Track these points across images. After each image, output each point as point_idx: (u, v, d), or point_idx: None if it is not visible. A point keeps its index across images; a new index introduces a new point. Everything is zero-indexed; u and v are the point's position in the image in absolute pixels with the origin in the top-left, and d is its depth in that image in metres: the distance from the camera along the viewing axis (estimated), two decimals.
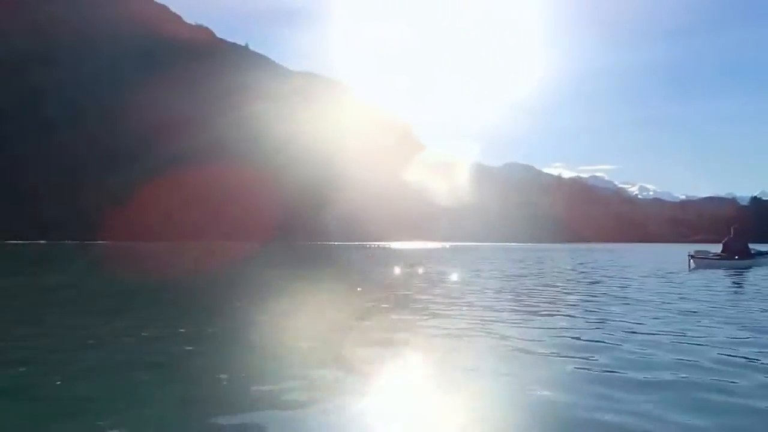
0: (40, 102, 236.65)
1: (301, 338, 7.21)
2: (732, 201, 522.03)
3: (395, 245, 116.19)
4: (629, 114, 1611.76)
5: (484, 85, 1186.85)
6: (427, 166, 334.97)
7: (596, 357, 6.02)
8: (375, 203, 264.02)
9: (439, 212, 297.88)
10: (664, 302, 11.35)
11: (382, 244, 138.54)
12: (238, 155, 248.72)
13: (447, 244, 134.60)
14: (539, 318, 9.04)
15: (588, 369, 5.51)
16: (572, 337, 7.22)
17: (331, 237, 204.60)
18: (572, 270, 24.85)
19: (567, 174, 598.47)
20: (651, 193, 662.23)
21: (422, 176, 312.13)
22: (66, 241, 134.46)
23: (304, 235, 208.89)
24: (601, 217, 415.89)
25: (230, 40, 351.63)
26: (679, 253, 36.88)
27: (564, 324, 8.37)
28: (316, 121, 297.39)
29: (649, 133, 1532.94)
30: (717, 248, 26.13)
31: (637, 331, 7.69)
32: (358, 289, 15.39)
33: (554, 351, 6.31)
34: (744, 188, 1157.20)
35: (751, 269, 22.93)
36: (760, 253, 26.22)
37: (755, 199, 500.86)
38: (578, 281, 17.85)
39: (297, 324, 8.78)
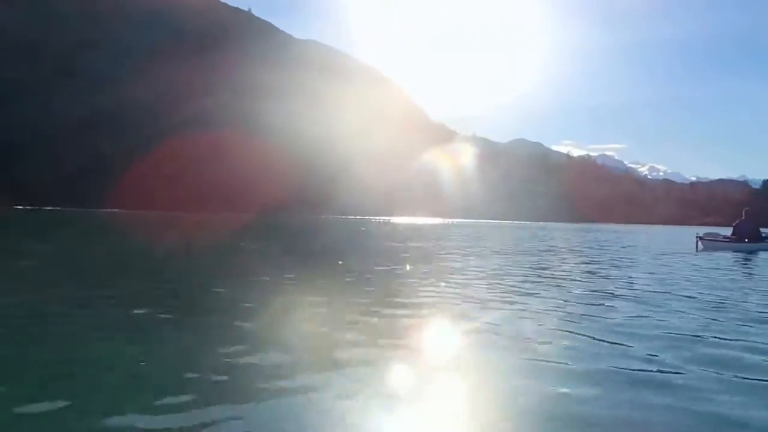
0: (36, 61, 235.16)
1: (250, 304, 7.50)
2: (743, 184, 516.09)
3: (399, 221, 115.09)
4: (640, 93, 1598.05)
5: (494, 60, 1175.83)
6: (434, 141, 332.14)
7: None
8: (379, 178, 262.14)
9: (444, 188, 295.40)
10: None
11: (385, 219, 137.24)
12: (240, 125, 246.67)
13: (451, 221, 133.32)
14: (498, 304, 8.10)
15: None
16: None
17: (334, 211, 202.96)
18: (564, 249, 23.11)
19: (576, 152, 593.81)
20: (661, 173, 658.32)
21: (428, 151, 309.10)
22: (57, 208, 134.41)
23: (307, 208, 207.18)
24: (610, 196, 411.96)
25: (232, 5, 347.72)
26: (688, 234, 36.65)
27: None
28: (320, 92, 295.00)
29: (661, 113, 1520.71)
30: (728, 231, 26.02)
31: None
32: (339, 262, 15.67)
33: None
34: (756, 171, 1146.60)
35: (760, 253, 22.43)
36: None
37: (767, 182, 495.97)
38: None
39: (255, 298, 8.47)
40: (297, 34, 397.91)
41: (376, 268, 13.64)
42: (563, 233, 52.65)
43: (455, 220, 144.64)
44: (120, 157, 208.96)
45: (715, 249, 23.92)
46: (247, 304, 7.70)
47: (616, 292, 9.57)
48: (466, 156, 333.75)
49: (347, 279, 11.34)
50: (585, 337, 5.93)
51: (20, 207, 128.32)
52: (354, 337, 5.81)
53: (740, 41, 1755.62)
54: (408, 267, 13.98)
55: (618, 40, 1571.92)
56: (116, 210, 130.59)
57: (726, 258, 19.30)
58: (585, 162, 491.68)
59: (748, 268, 16.40)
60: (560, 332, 6.18)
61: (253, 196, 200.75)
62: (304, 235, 36.24)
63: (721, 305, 8.41)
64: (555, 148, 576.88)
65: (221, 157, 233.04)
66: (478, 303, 8.08)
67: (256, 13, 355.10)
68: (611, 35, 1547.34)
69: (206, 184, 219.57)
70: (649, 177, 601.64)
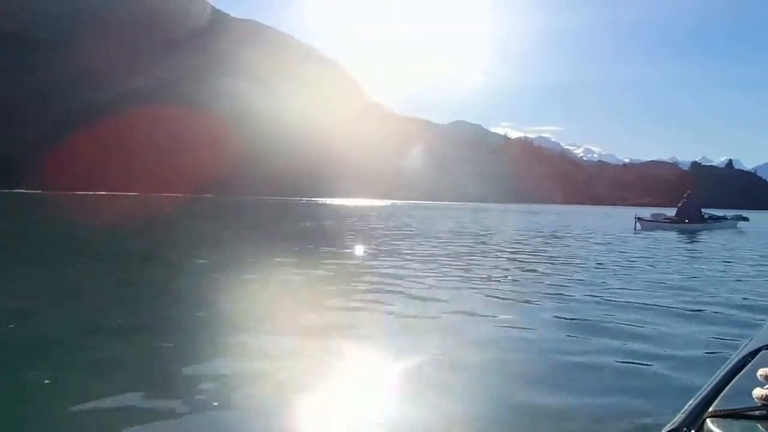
0: None
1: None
2: (674, 165, 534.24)
3: (336, 202, 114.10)
4: (577, 76, 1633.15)
5: (434, 42, 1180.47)
6: (374, 122, 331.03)
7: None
8: (320, 158, 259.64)
9: (385, 169, 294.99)
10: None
11: (322, 200, 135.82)
12: (175, 104, 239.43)
13: (391, 202, 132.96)
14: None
15: None
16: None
17: (272, 192, 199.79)
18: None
19: (514, 134, 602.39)
20: (596, 155, 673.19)
21: (370, 132, 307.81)
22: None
23: (242, 188, 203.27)
24: (548, 177, 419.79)
25: None
26: (625, 215, 38.64)
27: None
28: (258, 72, 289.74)
29: (596, 96, 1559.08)
30: (671, 212, 27.43)
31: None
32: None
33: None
34: (686, 153, 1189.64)
35: (699, 233, 23.44)
36: (713, 218, 27.16)
37: (696, 164, 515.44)
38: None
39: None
40: (235, 13, 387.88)
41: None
42: (500, 215, 51.89)
43: (395, 202, 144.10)
44: (46, 136, 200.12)
45: (653, 229, 24.88)
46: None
47: (574, 277, 9.26)
48: (406, 137, 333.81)
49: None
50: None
51: None
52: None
53: (674, 26, 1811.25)
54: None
55: (555, 23, 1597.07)
56: (41, 192, 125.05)
57: (660, 237, 20.37)
58: (523, 143, 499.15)
59: (674, 244, 17.57)
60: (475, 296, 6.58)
61: (186, 177, 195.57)
62: (236, 214, 34.30)
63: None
64: (494, 129, 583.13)
65: (152, 137, 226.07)
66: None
67: None
68: (548, 19, 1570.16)
69: (136, 165, 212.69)
70: (584, 158, 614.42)
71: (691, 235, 21.85)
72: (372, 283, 7.80)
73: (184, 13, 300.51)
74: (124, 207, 45.88)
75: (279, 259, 10.58)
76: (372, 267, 9.70)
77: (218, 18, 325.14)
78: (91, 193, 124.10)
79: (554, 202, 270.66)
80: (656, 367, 4.04)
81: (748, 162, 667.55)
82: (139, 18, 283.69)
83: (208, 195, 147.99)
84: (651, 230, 24.53)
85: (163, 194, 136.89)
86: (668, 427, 0.94)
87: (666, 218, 26.69)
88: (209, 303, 6.32)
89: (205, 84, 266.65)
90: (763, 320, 1.79)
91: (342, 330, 5.12)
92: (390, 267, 9.65)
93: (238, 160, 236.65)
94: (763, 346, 1.27)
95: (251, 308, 6.14)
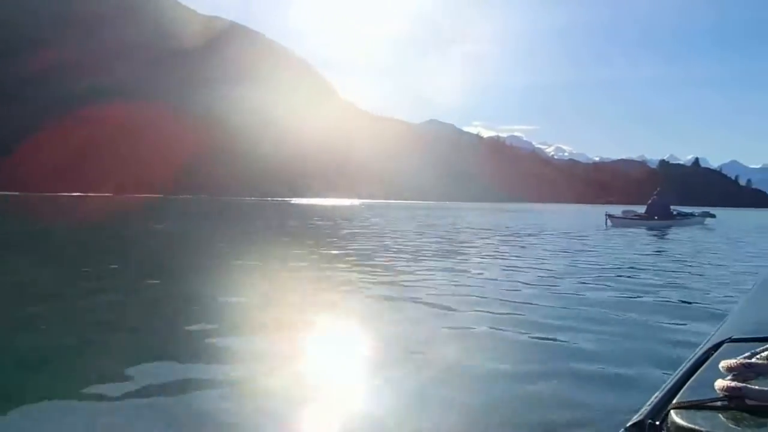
0: None
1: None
2: (642, 163, 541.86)
3: (309, 202, 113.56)
4: (549, 76, 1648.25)
5: (406, 41, 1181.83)
6: (345, 121, 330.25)
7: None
8: (293, 158, 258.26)
9: (359, 168, 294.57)
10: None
11: (295, 200, 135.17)
12: (141, 101, 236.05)
13: (360, 202, 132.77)
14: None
15: None
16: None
17: (245, 192, 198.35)
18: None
19: (486, 133, 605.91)
20: (566, 154, 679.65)
21: (343, 131, 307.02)
22: None
23: (215, 189, 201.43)
24: (519, 176, 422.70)
25: None
26: (596, 213, 38.67)
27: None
28: (228, 71, 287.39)
29: (568, 95, 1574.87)
30: (642, 209, 27.85)
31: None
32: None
33: None
34: (654, 151, 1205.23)
35: (667, 229, 23.68)
36: (682, 215, 27.82)
37: (664, 162, 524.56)
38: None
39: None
40: (202, 10, 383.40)
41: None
42: (462, 214, 52.05)
43: (366, 201, 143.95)
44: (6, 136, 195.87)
45: (623, 226, 25.16)
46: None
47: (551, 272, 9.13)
48: (380, 136, 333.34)
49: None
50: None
51: None
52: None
53: (644, 27, 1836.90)
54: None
55: (528, 23, 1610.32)
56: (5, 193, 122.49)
57: (629, 233, 20.69)
58: (495, 142, 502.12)
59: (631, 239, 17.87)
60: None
61: (152, 178, 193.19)
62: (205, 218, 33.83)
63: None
64: (466, 129, 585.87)
65: (121, 138, 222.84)
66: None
67: None
68: (521, 19, 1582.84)
69: (106, 165, 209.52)
70: (555, 157, 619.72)
71: (660, 231, 22.24)
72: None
73: (152, 10, 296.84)
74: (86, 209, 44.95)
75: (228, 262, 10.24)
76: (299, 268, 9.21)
77: (185, 16, 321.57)
78: (60, 194, 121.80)
79: (526, 201, 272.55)
80: (621, 360, 3.97)
81: (714, 160, 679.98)
82: (108, 15, 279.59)
83: (183, 196, 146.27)
84: (621, 227, 24.82)
85: (133, 195, 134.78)
86: (633, 419, 0.96)
87: (636, 215, 27.18)
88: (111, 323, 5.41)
89: (174, 83, 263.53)
90: (727, 313, 1.82)
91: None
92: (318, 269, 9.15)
93: (210, 161, 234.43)
94: (727, 338, 1.30)
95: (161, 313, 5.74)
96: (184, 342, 4.51)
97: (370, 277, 8.07)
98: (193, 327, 4.94)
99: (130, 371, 3.56)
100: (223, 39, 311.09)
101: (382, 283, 7.54)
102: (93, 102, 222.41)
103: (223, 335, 4.63)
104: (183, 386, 3.34)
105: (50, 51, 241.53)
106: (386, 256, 11.10)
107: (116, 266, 9.23)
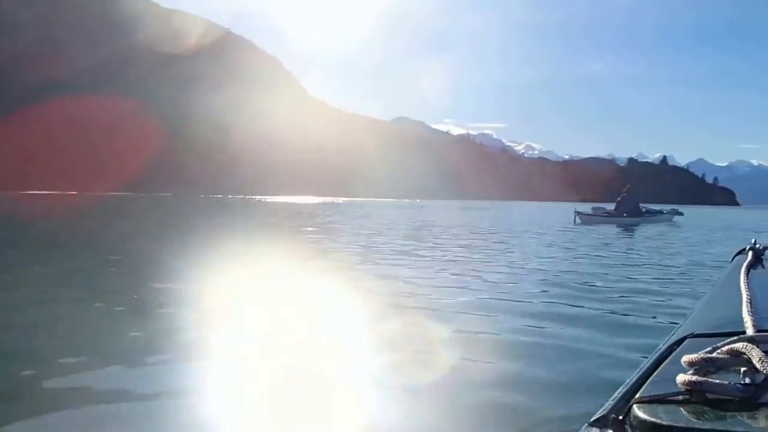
0: None
1: None
2: (611, 161, 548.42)
3: (277, 200, 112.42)
4: (517, 74, 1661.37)
5: (377, 38, 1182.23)
6: (317, 118, 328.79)
7: None
8: (261, 155, 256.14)
9: (329, 166, 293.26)
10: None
11: (262, 198, 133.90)
12: (102, 97, 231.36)
13: (334, 200, 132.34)
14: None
15: None
16: None
17: (213, 190, 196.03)
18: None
19: (457, 131, 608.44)
20: (536, 152, 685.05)
21: (312, 128, 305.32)
22: None
23: (181, 186, 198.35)
24: (490, 174, 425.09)
25: None
26: (566, 210, 39.34)
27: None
28: (192, 65, 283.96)
29: (537, 93, 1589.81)
30: (612, 207, 28.41)
31: None
32: None
33: None
34: (622, 149, 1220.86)
35: (636, 226, 24.24)
36: (651, 212, 28.46)
37: (632, 160, 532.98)
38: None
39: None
40: (164, 3, 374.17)
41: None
42: (442, 211, 51.51)
43: (335, 199, 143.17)
44: None
45: (592, 223, 25.67)
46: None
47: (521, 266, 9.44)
48: (350, 134, 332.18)
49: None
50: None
51: None
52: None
53: (613, 25, 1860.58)
54: None
55: (499, 20, 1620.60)
56: None
57: (598, 230, 21.02)
58: (464, 140, 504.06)
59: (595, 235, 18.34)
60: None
61: (116, 174, 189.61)
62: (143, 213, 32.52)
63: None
64: (436, 126, 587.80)
65: (79, 133, 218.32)
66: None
67: None
68: (492, 16, 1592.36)
69: (60, 161, 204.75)
70: (525, 155, 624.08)
71: (629, 228, 22.63)
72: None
73: (109, 1, 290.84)
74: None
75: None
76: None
77: (150, 9, 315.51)
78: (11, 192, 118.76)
79: (496, 199, 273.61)
80: (588, 356, 3.93)
81: (681, 158, 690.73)
82: (62, 7, 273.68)
83: (143, 193, 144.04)
84: (590, 224, 25.20)
85: (92, 193, 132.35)
86: (597, 414, 0.98)
87: (605, 212, 27.74)
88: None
89: (132, 77, 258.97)
90: (690, 309, 1.80)
91: None
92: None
93: (175, 157, 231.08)
94: (689, 334, 1.34)
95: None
96: None
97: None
98: None
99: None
100: (188, 34, 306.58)
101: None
102: (46, 97, 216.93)
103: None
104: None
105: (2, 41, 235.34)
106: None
107: None
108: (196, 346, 4.21)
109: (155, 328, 4.70)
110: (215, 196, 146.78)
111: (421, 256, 11.00)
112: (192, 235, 16.75)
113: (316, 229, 20.23)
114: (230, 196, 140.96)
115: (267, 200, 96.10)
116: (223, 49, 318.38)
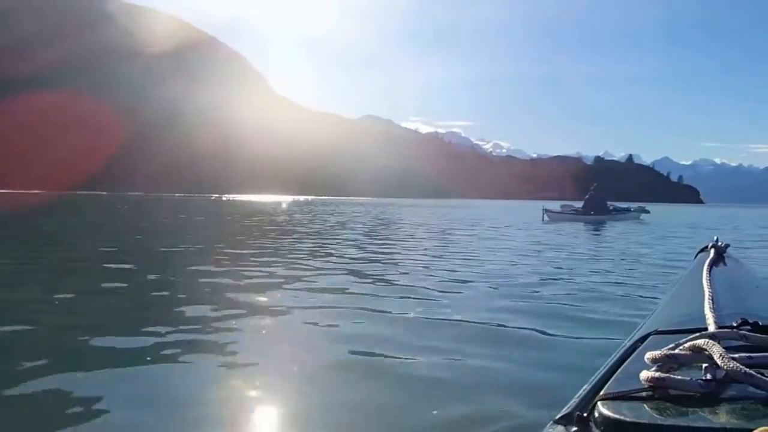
0: None
1: None
2: (578, 160, 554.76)
3: (242, 198, 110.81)
4: (486, 72, 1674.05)
5: (346, 36, 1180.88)
6: (283, 116, 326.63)
7: None
8: (226, 152, 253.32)
9: (296, 164, 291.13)
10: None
11: (227, 196, 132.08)
12: (63, 94, 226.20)
13: (302, 198, 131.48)
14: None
15: None
16: None
17: (176, 189, 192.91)
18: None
19: (425, 129, 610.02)
20: (504, 150, 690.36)
21: (278, 126, 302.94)
22: None
23: (143, 184, 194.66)
24: (459, 172, 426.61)
25: None
26: (534, 208, 39.49)
27: None
28: (157, 63, 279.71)
29: (505, 92, 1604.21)
30: (579, 204, 28.80)
31: None
32: None
33: None
34: (589, 148, 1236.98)
35: (603, 224, 24.32)
36: (618, 210, 28.72)
37: (599, 159, 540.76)
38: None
39: None
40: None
41: None
42: (409, 210, 50.46)
43: (301, 197, 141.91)
44: None
45: (560, 220, 25.88)
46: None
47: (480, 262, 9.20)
48: (316, 132, 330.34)
49: None
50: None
51: None
52: None
53: (578, 25, 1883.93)
54: None
55: (468, 19, 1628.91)
56: None
57: (566, 227, 21.11)
58: (432, 138, 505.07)
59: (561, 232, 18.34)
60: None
61: (71, 172, 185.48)
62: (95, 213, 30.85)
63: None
64: (404, 124, 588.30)
65: (38, 129, 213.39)
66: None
67: None
68: (460, 14, 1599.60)
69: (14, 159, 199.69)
70: (493, 153, 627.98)
71: (596, 226, 22.65)
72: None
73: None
74: None
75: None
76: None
77: (109, 3, 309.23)
78: None
79: (464, 197, 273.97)
80: (552, 353, 3.81)
81: (646, 157, 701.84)
82: (25, 2, 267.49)
83: (101, 192, 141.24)
84: (558, 221, 25.39)
85: (53, 192, 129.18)
86: (562, 412, 0.99)
87: (573, 210, 27.95)
88: None
89: (97, 74, 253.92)
90: (654, 306, 1.93)
91: None
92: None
93: (138, 155, 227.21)
94: (653, 331, 1.37)
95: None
96: None
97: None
98: None
99: None
100: (153, 32, 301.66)
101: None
102: (5, 93, 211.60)
103: None
104: None
105: None
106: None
107: None
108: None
109: None
110: (178, 195, 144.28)
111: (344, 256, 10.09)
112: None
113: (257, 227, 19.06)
114: (196, 195, 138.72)
115: (230, 199, 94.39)
116: (188, 47, 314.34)
